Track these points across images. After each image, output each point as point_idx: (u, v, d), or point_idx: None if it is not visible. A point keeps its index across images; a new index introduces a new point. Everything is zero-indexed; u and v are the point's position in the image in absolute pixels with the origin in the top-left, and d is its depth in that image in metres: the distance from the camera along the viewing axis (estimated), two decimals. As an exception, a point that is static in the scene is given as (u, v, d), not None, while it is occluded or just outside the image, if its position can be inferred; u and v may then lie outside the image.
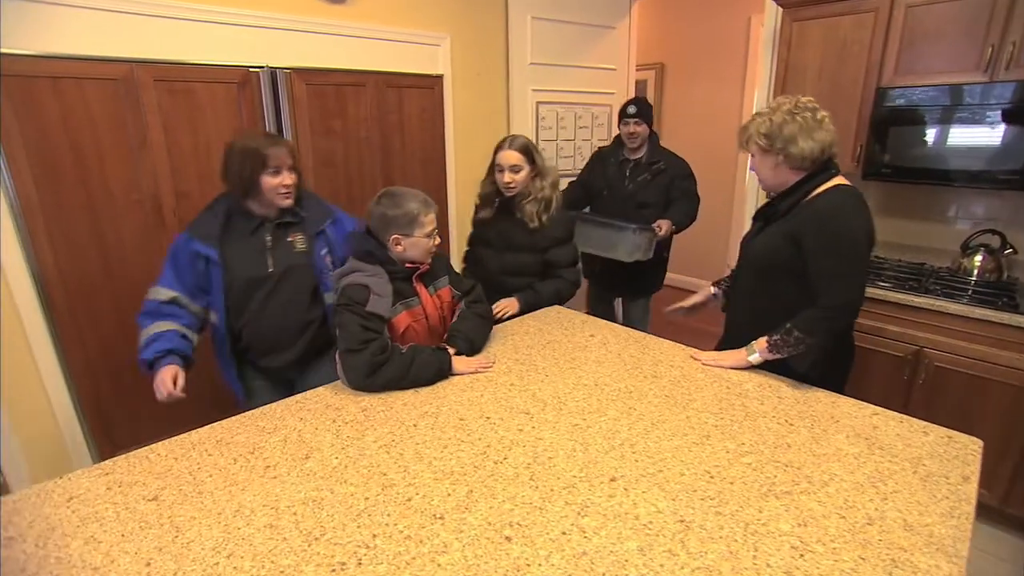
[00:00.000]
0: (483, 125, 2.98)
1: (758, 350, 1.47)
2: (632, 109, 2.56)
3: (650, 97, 4.70)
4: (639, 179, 2.65)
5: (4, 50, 1.71)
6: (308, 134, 2.31)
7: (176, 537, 0.95)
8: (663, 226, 2.56)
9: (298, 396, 1.41)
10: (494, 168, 1.99)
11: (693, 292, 1.90)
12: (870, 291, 2.18)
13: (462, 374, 1.49)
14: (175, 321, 1.55)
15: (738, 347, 1.53)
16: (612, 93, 3.33)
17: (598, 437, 1.20)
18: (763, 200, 1.63)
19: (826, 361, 1.47)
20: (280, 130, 2.24)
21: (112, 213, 1.96)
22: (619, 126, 2.64)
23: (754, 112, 1.51)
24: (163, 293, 1.56)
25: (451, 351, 1.52)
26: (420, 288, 1.59)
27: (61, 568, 0.89)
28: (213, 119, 2.09)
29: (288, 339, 1.66)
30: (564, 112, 3.17)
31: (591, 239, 2.57)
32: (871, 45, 2.26)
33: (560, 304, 2.06)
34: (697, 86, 4.37)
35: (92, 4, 1.81)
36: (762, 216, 1.58)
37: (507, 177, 1.93)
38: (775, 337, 1.44)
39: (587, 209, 2.84)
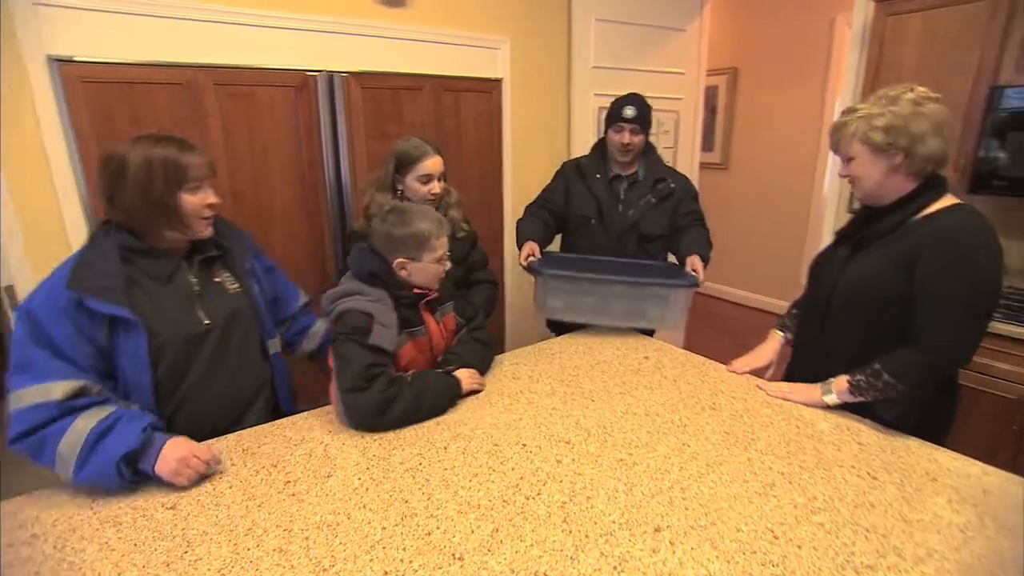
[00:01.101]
0: (542, 130, 2.89)
1: (836, 391, 1.28)
2: (630, 111, 1.91)
3: (721, 103, 4.45)
4: (640, 202, 2.00)
5: (82, 58, 1.79)
6: (362, 137, 2.31)
7: (186, 552, 0.90)
8: (699, 269, 1.82)
9: (328, 406, 1.36)
10: (398, 181, 1.70)
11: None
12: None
13: (467, 395, 1.38)
14: (103, 407, 1.06)
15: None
16: (680, 99, 3.15)
17: (644, 477, 1.07)
18: (844, 214, 1.41)
19: (921, 408, 1.25)
20: (335, 133, 2.25)
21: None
22: (607, 131, 1.97)
23: (845, 108, 1.28)
24: (54, 390, 1.02)
25: (457, 373, 1.38)
26: (427, 316, 1.42)
27: (72, 574, 0.87)
28: (271, 122, 2.12)
29: (239, 412, 1.29)
30: (627, 117, 3.02)
31: (602, 305, 1.76)
32: (985, 39, 1.99)
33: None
34: (773, 91, 4.09)
35: (160, 12, 1.87)
36: (851, 238, 1.33)
37: (437, 187, 1.70)
38: (859, 377, 1.24)
39: (558, 246, 2.18)
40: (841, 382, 1.27)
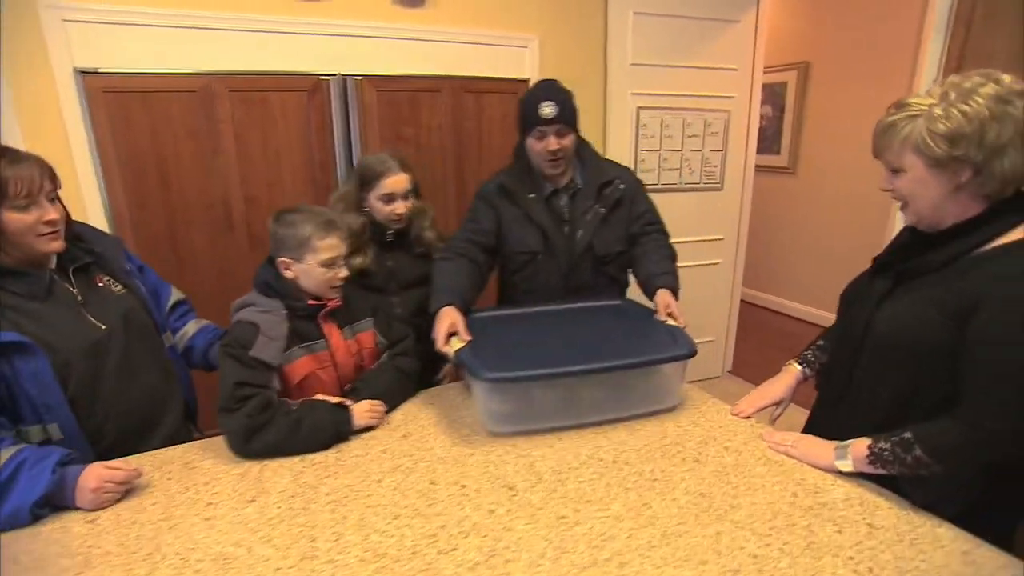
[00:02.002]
0: (573, 133, 2.72)
1: (852, 456, 1.02)
2: (549, 109, 1.44)
3: (790, 101, 4.04)
4: (587, 218, 1.58)
5: (105, 69, 1.86)
6: (377, 140, 2.26)
7: (78, 574, 0.86)
8: (675, 312, 1.42)
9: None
10: (363, 198, 1.56)
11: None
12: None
13: (362, 428, 1.24)
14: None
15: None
16: (732, 97, 2.87)
17: (582, 543, 0.90)
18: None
19: (966, 492, 0.97)
20: (348, 137, 2.22)
21: (186, 218, 2.06)
22: (528, 139, 1.52)
23: (896, 102, 0.96)
24: None
25: (352, 407, 1.25)
26: (330, 329, 1.33)
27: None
28: (284, 127, 2.12)
29: (161, 409, 1.26)
30: (670, 119, 2.79)
31: (568, 398, 1.26)
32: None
33: None
34: (851, 87, 3.65)
35: (176, 23, 1.91)
36: (891, 269, 1.05)
37: (401, 208, 1.56)
38: (883, 445, 0.98)
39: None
40: (860, 446, 1.01)
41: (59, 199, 1.12)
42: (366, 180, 1.56)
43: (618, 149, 2.73)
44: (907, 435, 0.95)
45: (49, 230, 1.07)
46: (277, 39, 2.06)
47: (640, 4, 2.57)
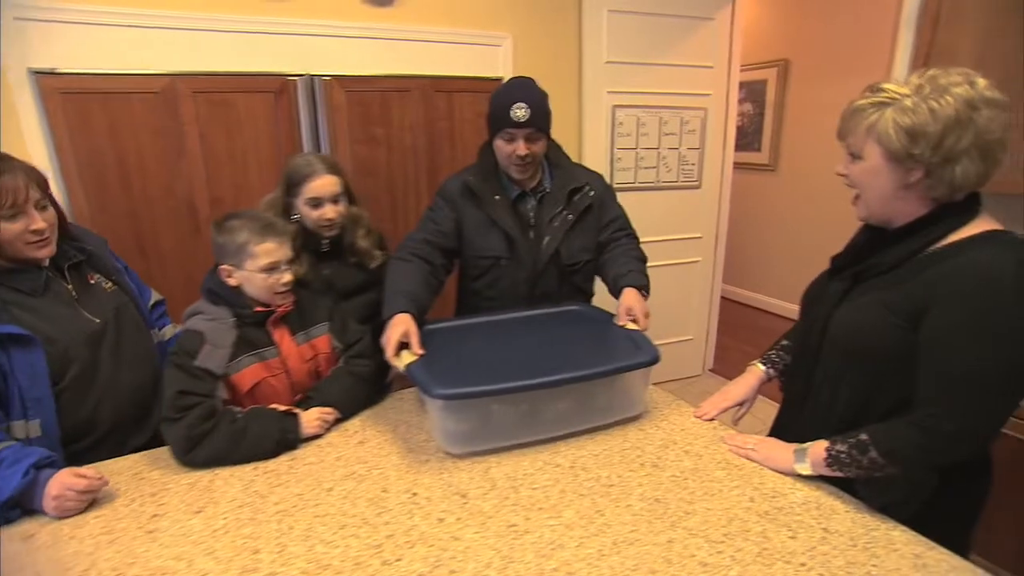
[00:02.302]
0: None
1: (811, 459, 1.01)
2: (522, 111, 1.36)
3: (770, 98, 4.04)
4: (555, 224, 1.50)
5: (63, 70, 1.82)
6: (347, 142, 2.23)
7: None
8: (639, 314, 1.36)
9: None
10: (291, 204, 1.48)
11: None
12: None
13: (313, 437, 1.22)
14: None
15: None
16: (708, 95, 2.86)
17: (530, 552, 0.88)
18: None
19: (921, 493, 0.95)
20: (316, 138, 2.18)
21: (151, 220, 2.02)
22: (496, 140, 1.45)
23: (870, 85, 0.93)
24: None
25: (300, 414, 1.22)
26: (282, 335, 1.29)
27: None
28: (251, 128, 2.08)
29: (149, 402, 1.27)
30: (646, 117, 2.77)
31: (530, 413, 1.20)
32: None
33: None
34: (830, 84, 3.65)
35: (137, 23, 1.87)
36: (849, 269, 1.03)
37: (330, 212, 1.46)
38: (839, 448, 0.96)
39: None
40: (819, 449, 1.00)
41: (52, 204, 1.15)
42: (292, 184, 1.47)
43: (594, 148, 2.71)
44: (863, 437, 0.94)
45: (36, 239, 1.09)
46: (242, 39, 2.02)
47: (615, 2, 2.55)
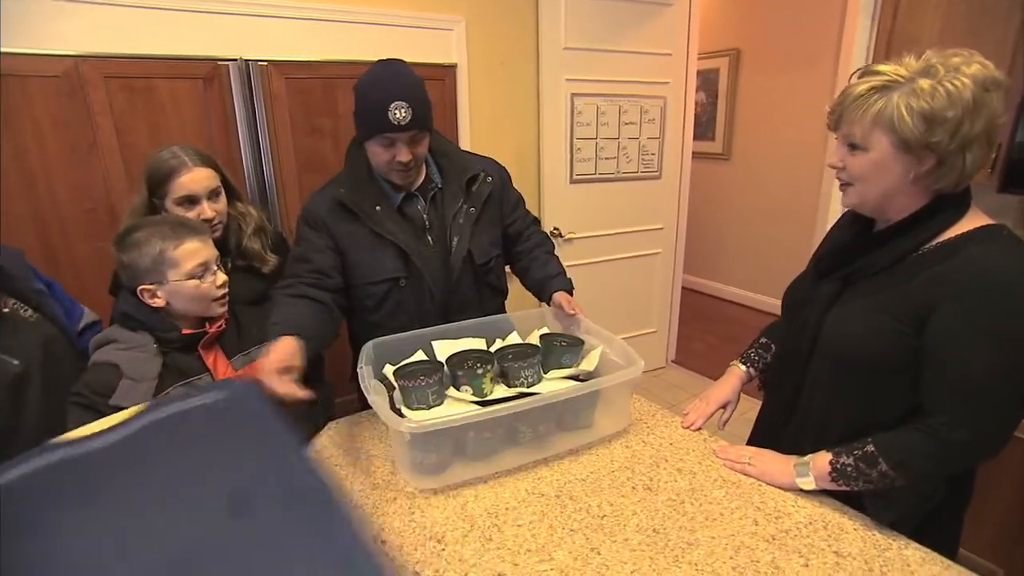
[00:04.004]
0: (507, 121, 2.57)
1: (815, 473, 0.94)
2: (403, 112, 1.14)
3: (722, 87, 4.05)
4: (459, 221, 1.32)
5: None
6: (289, 134, 2.03)
7: None
8: (578, 308, 1.31)
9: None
10: (157, 207, 1.26)
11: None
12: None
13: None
14: None
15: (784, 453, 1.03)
16: (667, 83, 2.80)
17: (522, 607, 0.77)
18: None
19: (926, 503, 0.91)
20: (255, 130, 1.97)
21: (60, 224, 1.77)
22: (371, 146, 1.22)
23: (862, 68, 0.86)
24: None
25: None
26: (215, 359, 1.12)
27: None
28: (176, 119, 1.85)
29: None
30: (606, 105, 2.69)
31: (507, 437, 1.09)
32: None
33: None
34: (779, 74, 3.68)
35: (28, -9, 1.61)
36: (839, 269, 0.97)
37: (208, 211, 1.25)
38: (846, 460, 0.90)
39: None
40: (822, 462, 0.93)
41: None
42: (157, 182, 1.24)
43: (553, 138, 2.60)
44: (870, 448, 0.88)
45: None
46: (163, 17, 1.79)
47: (572, -15, 2.44)
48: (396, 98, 1.14)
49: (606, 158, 2.78)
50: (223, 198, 1.32)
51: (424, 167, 1.33)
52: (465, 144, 2.45)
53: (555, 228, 2.70)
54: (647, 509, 0.95)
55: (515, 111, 2.59)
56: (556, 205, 2.70)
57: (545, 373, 1.16)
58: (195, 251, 1.06)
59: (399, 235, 1.26)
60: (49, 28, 1.65)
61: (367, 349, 1.17)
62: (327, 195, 1.28)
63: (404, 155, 1.19)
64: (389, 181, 1.28)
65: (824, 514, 0.93)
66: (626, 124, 2.77)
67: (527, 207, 1.53)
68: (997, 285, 0.79)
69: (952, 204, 0.86)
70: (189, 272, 1.05)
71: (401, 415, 1.05)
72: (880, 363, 0.89)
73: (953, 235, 0.85)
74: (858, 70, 0.86)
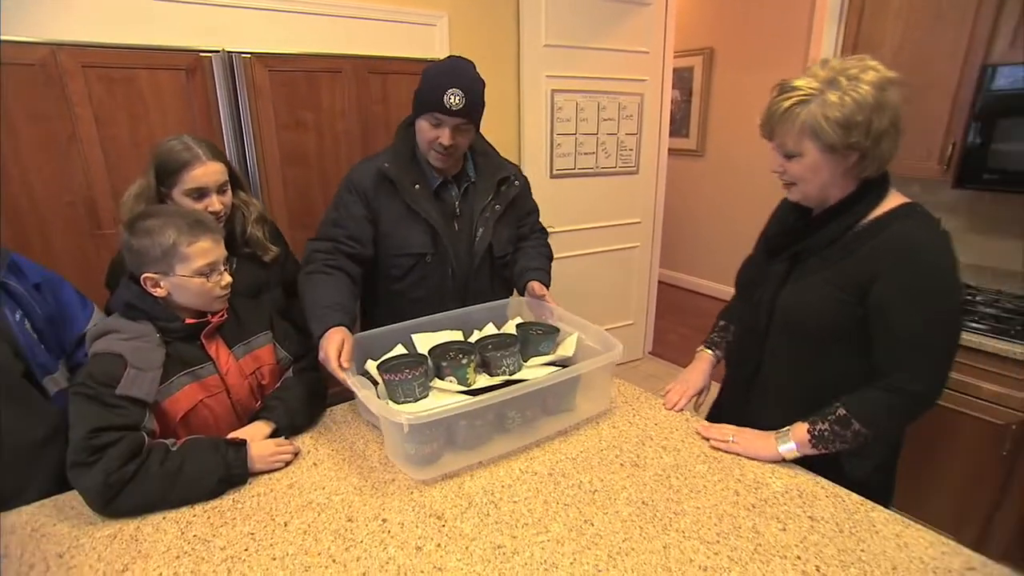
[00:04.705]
0: (488, 116, 2.53)
1: (795, 441, 1.03)
2: (457, 98, 1.23)
3: (696, 85, 4.15)
4: (486, 215, 1.42)
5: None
6: (272, 127, 2.02)
7: None
8: (548, 296, 1.40)
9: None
10: (164, 195, 1.27)
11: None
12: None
13: (262, 472, 1.06)
14: None
15: (744, 424, 1.12)
16: (644, 80, 2.87)
17: (522, 575, 0.81)
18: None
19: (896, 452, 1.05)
20: (238, 123, 1.96)
21: (39, 218, 1.74)
22: (420, 121, 1.31)
23: (781, 83, 0.97)
24: None
25: (251, 440, 1.07)
26: (218, 349, 1.13)
27: None
28: (157, 111, 1.83)
29: (25, 475, 1.02)
30: (585, 102, 2.74)
31: (496, 424, 1.12)
32: (978, 10, 1.72)
33: None
34: (751, 72, 3.80)
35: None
36: (787, 249, 1.08)
37: (217, 204, 1.27)
38: (821, 427, 1.00)
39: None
40: (800, 431, 1.02)
41: None
42: (167, 171, 1.25)
43: (533, 133, 2.65)
44: (841, 411, 0.98)
45: None
46: (145, 6, 1.77)
47: (552, -17, 2.48)
48: (454, 85, 1.25)
49: (585, 153, 2.84)
50: (230, 191, 1.33)
51: (463, 160, 1.43)
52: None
53: (536, 222, 2.74)
54: (635, 484, 1.01)
55: (496, 106, 2.60)
56: (536, 199, 2.69)
57: (524, 361, 1.20)
58: (207, 250, 1.07)
59: (432, 214, 1.36)
60: (25, 14, 1.62)
61: None
62: (373, 165, 1.37)
63: (447, 138, 1.28)
64: (429, 164, 1.38)
65: (799, 483, 1.00)
66: (605, 120, 2.83)
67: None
68: (922, 257, 0.93)
69: (875, 186, 0.99)
70: (197, 270, 1.06)
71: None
72: (831, 331, 1.00)
73: (879, 213, 0.98)
74: (777, 85, 0.98)
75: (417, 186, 1.36)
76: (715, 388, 1.30)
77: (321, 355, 1.12)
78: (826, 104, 0.90)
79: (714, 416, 1.27)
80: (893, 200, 0.99)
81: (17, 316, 1.09)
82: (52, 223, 1.76)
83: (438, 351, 1.17)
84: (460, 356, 1.14)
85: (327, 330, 1.14)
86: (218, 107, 1.92)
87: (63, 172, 1.74)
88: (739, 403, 1.18)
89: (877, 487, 1.04)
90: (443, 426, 1.05)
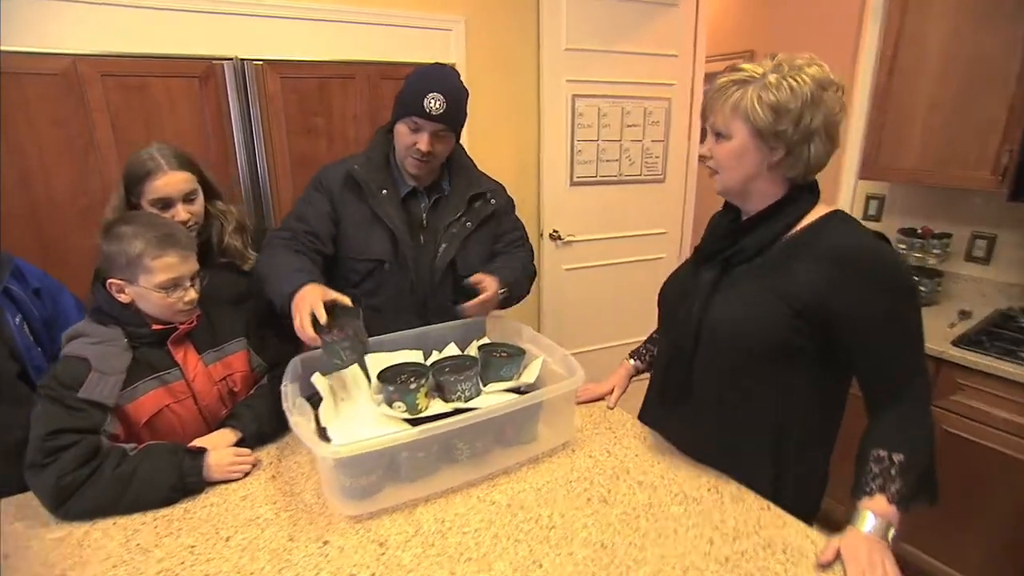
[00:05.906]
0: (506, 123, 2.55)
1: (887, 517, 0.84)
2: (438, 103, 1.21)
3: (738, 91, 3.95)
4: (452, 230, 1.36)
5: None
6: (283, 133, 2.04)
7: None
8: (488, 285, 1.33)
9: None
10: (134, 207, 1.26)
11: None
12: (972, 360, 1.58)
13: (219, 482, 1.03)
14: None
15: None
16: (672, 84, 2.75)
17: (451, 620, 0.74)
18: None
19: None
20: (249, 129, 1.99)
21: (57, 221, 1.81)
22: (399, 125, 1.28)
23: (730, 66, 0.94)
24: None
25: (213, 447, 1.05)
26: (186, 354, 1.12)
27: None
28: (171, 117, 1.88)
29: (10, 476, 1.02)
30: (608, 107, 2.65)
31: (443, 453, 1.04)
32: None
33: None
34: (797, 76, 3.58)
35: (29, -9, 1.65)
36: (718, 255, 1.00)
37: (182, 214, 1.25)
38: (897, 487, 0.85)
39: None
40: (881, 504, 0.84)
41: None
42: (133, 181, 1.24)
43: (553, 140, 2.58)
44: (899, 457, 0.86)
45: None
46: (160, 16, 1.82)
47: (573, -15, 2.41)
48: (434, 90, 1.22)
49: (607, 160, 2.74)
50: (200, 199, 1.32)
51: (439, 171, 1.38)
52: (464, 143, 2.44)
53: (554, 230, 2.67)
54: (599, 523, 0.92)
55: (515, 112, 2.57)
56: (556, 207, 2.67)
57: (484, 386, 1.11)
58: (171, 266, 1.05)
59: (396, 221, 1.32)
60: (48, 27, 1.70)
61: (294, 364, 1.13)
62: (343, 167, 1.35)
63: (425, 144, 1.24)
64: (401, 171, 1.35)
65: (786, 536, 0.88)
66: (629, 126, 2.73)
67: (526, 219, 1.58)
68: (886, 264, 0.88)
69: (805, 192, 0.95)
70: (159, 284, 1.04)
71: (327, 436, 0.99)
72: (763, 343, 0.92)
73: (810, 221, 0.93)
74: (726, 68, 0.94)
75: (384, 191, 1.32)
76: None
77: (296, 322, 1.05)
78: (763, 87, 0.88)
79: (642, 416, 1.23)
80: (821, 208, 0.96)
81: (16, 320, 1.12)
82: (72, 228, 1.83)
83: (388, 374, 1.09)
84: (411, 380, 1.06)
85: (300, 287, 1.09)
86: (230, 113, 1.96)
87: (81, 175, 1.81)
88: (668, 409, 1.12)
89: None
90: (386, 457, 0.97)
